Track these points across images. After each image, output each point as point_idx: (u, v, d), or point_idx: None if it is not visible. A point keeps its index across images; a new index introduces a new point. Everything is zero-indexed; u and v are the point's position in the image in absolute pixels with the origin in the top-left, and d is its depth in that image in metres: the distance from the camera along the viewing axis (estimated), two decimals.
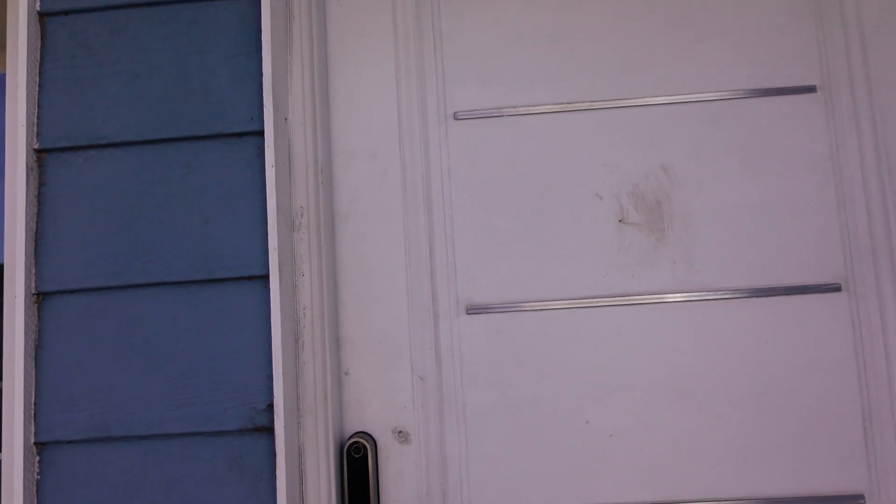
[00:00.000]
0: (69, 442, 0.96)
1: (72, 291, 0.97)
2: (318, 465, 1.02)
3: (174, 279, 0.98)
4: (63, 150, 1.00)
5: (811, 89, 0.97)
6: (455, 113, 1.02)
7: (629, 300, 0.91)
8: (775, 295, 0.92)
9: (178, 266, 0.98)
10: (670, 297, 0.92)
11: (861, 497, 0.84)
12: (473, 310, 0.93)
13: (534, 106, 1.00)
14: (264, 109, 0.98)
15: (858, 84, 0.99)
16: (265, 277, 0.97)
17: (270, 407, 0.95)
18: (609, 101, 0.98)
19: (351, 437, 0.96)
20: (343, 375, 1.02)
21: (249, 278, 0.98)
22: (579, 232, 0.94)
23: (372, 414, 0.98)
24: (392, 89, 1.07)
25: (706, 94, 0.97)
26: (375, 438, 0.96)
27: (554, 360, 0.93)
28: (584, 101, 0.99)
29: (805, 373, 0.90)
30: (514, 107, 1.00)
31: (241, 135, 1.00)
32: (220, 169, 1.00)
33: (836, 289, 0.91)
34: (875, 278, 0.90)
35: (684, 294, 0.92)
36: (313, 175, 1.06)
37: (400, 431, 0.95)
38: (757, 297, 0.92)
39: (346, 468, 0.94)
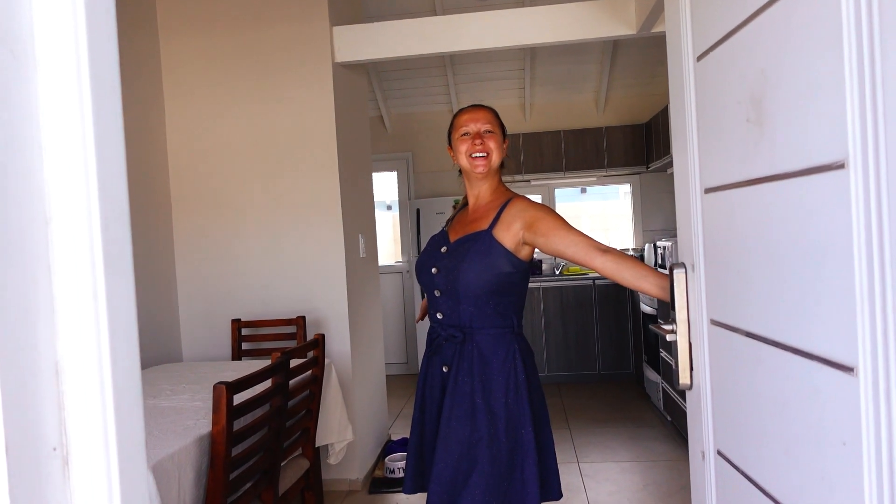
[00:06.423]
0: None
1: None
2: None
3: None
4: None
5: None
6: None
7: (751, 181, 1.18)
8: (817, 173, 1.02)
9: None
10: (763, 179, 1.13)
11: (851, 369, 0.90)
12: (708, 190, 1.40)
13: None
14: None
15: None
16: None
17: None
18: (729, 34, 1.23)
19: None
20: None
21: None
22: (733, 135, 1.24)
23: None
24: None
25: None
26: (685, 266, 1.50)
27: (726, 215, 1.33)
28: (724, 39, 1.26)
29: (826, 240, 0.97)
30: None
31: None
32: None
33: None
34: (873, 157, 0.85)
35: (769, 173, 1.10)
36: None
37: (692, 264, 1.46)
38: (805, 175, 1.02)
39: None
